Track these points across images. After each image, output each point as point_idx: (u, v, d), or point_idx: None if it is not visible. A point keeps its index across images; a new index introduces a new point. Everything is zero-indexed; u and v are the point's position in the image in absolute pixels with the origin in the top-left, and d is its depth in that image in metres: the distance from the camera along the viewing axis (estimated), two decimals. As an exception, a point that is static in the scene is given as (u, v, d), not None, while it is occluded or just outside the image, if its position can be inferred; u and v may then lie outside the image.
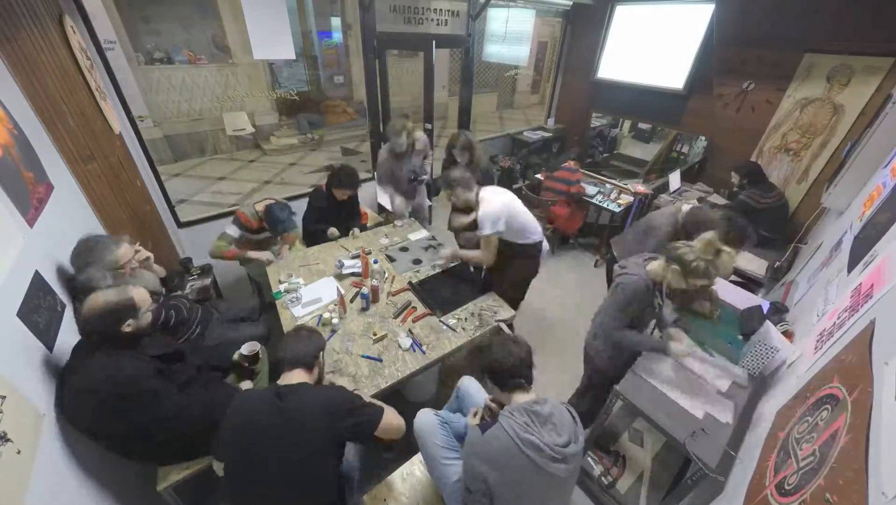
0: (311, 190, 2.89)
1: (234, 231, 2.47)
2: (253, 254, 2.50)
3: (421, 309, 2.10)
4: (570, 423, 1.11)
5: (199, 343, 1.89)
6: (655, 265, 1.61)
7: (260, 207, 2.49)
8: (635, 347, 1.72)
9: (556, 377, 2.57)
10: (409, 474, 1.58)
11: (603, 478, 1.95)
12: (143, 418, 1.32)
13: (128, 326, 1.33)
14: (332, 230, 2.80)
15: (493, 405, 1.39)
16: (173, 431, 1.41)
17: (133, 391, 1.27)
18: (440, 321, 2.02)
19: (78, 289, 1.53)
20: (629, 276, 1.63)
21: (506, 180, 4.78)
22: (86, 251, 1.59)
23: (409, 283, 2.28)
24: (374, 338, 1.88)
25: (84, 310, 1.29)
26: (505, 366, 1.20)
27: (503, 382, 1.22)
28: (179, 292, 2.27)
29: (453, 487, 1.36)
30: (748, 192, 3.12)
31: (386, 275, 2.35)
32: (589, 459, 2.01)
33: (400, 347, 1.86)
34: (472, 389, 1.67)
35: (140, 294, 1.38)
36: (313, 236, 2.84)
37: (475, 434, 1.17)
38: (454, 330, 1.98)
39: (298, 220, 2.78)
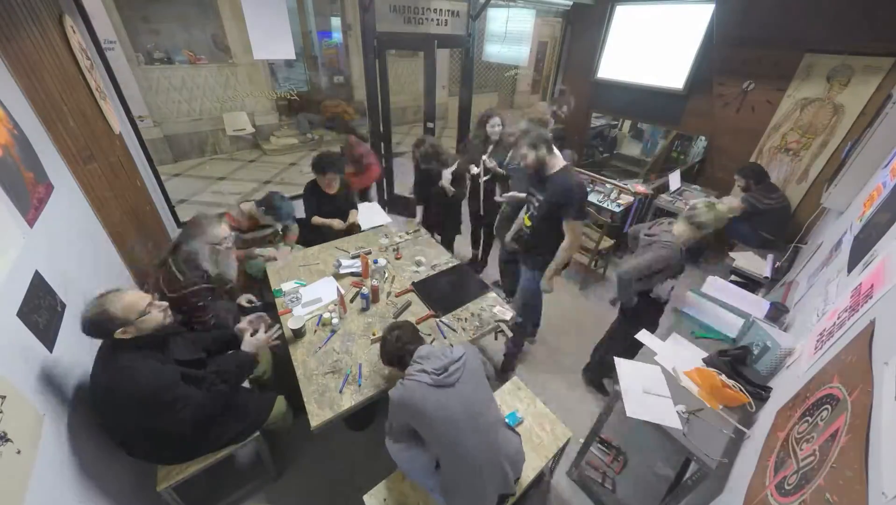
0: (304, 186, 2.85)
1: None
2: (259, 251, 2.52)
3: (423, 311, 2.10)
4: (448, 352, 1.40)
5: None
6: (680, 228, 1.85)
7: (246, 207, 2.50)
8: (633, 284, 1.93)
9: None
10: (409, 474, 1.58)
11: (605, 483, 1.96)
12: (163, 422, 1.37)
13: (123, 333, 1.30)
14: (337, 222, 2.79)
15: None
16: (185, 433, 1.46)
17: (158, 399, 1.31)
18: (441, 321, 2.02)
19: (180, 257, 1.75)
20: (664, 245, 1.84)
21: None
22: (194, 224, 1.80)
23: (413, 283, 2.28)
24: (373, 338, 1.88)
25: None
26: (398, 355, 1.45)
27: (402, 364, 1.46)
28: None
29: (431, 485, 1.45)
30: (752, 192, 3.12)
31: (386, 275, 2.35)
32: (591, 451, 2.01)
33: None
34: None
35: (123, 304, 1.31)
36: (314, 234, 2.82)
37: (392, 393, 1.37)
38: (454, 330, 1.98)
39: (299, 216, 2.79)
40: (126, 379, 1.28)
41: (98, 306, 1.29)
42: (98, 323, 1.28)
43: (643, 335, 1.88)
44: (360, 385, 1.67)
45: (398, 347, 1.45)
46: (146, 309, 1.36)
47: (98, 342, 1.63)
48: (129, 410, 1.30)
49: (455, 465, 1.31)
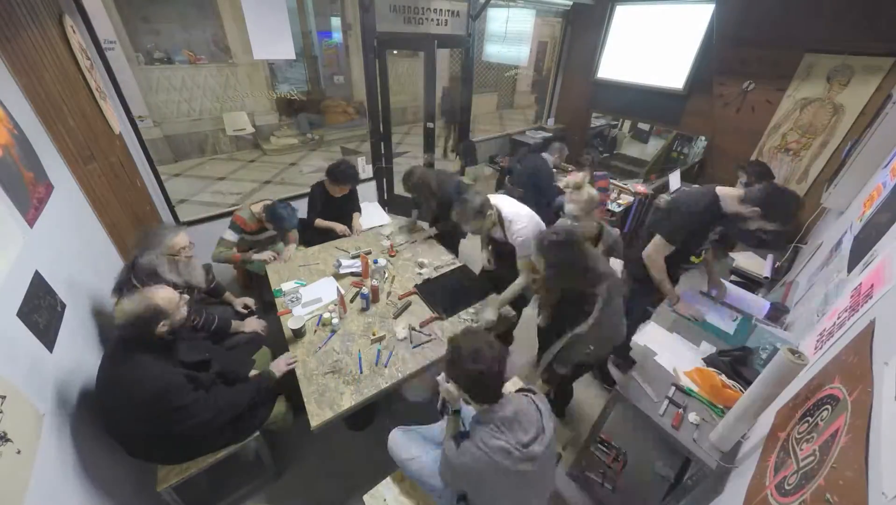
0: (311, 186, 2.89)
1: (231, 235, 2.48)
2: (256, 256, 2.54)
3: (424, 312, 2.10)
4: (535, 417, 1.10)
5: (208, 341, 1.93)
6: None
7: (256, 209, 2.49)
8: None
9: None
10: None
11: (606, 484, 1.95)
12: (167, 428, 1.37)
13: (163, 326, 1.35)
14: (340, 227, 2.81)
15: (448, 392, 1.24)
16: (188, 437, 1.46)
17: (166, 406, 1.32)
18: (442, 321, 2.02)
19: (140, 272, 1.63)
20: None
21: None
22: (147, 236, 1.73)
23: (416, 285, 2.27)
24: (373, 338, 1.88)
25: (120, 317, 1.33)
26: (484, 380, 1.09)
27: (478, 395, 1.12)
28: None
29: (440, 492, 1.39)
30: None
31: (386, 275, 2.35)
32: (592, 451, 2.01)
33: (396, 336, 1.89)
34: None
35: (163, 296, 1.37)
36: (314, 234, 2.83)
37: (450, 448, 1.14)
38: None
39: (300, 216, 2.80)
40: (135, 378, 1.29)
41: (142, 301, 1.31)
42: (146, 318, 1.30)
43: (642, 335, 1.88)
44: (360, 385, 1.67)
45: (485, 376, 1.08)
46: (179, 302, 1.41)
47: (99, 341, 1.64)
48: (134, 409, 1.31)
49: None
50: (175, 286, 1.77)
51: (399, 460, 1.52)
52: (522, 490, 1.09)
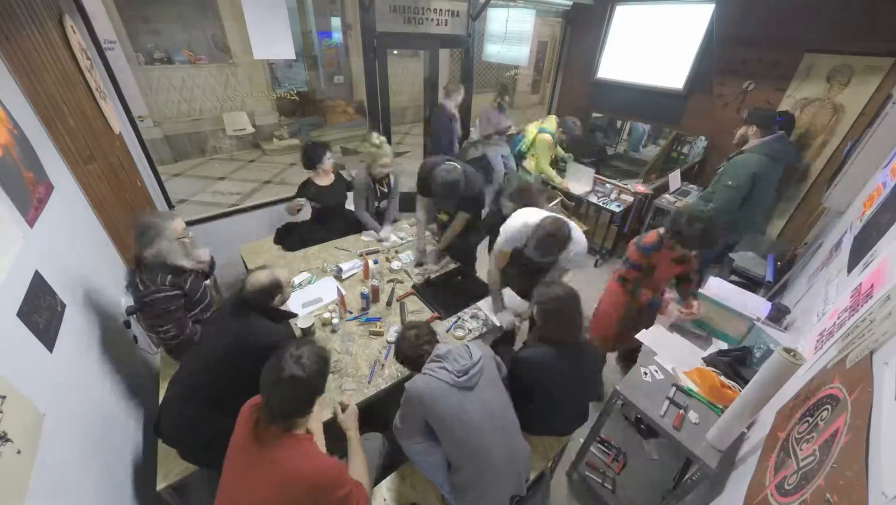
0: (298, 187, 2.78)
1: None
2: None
3: (423, 311, 2.10)
4: (465, 351, 1.38)
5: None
6: None
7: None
8: None
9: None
10: (409, 475, 1.58)
11: (605, 483, 1.96)
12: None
13: (279, 300, 1.57)
14: (299, 201, 2.62)
15: None
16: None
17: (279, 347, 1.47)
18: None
19: (148, 264, 1.66)
20: None
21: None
22: (148, 227, 1.69)
23: (413, 285, 2.27)
24: (373, 330, 1.88)
25: (247, 287, 1.50)
26: (415, 354, 1.42)
27: (417, 365, 1.43)
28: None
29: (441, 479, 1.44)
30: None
31: (387, 279, 2.34)
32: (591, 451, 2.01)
33: (387, 341, 1.88)
34: None
35: (284, 275, 1.59)
36: (303, 236, 2.73)
37: (407, 384, 1.37)
38: (459, 332, 1.98)
39: (291, 220, 2.77)
40: (262, 330, 1.49)
41: (271, 276, 1.54)
42: (272, 290, 1.53)
43: (643, 335, 1.88)
44: (360, 385, 1.67)
45: (417, 346, 1.41)
46: (288, 282, 1.64)
47: (99, 340, 1.63)
48: (257, 351, 1.38)
49: (473, 467, 1.30)
50: (183, 270, 1.77)
51: (409, 454, 1.51)
52: (476, 410, 1.29)
